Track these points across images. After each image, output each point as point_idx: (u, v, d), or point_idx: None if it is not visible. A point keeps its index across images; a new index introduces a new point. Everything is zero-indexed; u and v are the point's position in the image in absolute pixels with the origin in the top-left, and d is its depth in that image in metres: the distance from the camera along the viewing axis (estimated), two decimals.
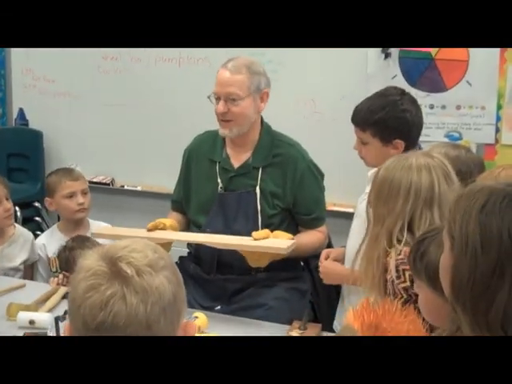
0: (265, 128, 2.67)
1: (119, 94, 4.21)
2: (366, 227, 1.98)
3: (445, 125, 3.47)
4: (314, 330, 2.19)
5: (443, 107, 3.47)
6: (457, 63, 3.39)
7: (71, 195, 2.91)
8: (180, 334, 1.13)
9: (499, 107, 3.36)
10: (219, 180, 2.62)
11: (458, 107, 3.44)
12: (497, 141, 3.39)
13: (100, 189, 4.09)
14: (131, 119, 4.20)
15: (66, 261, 2.70)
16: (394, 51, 3.49)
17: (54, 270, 2.73)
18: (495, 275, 1.15)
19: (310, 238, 2.63)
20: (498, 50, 3.29)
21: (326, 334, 2.22)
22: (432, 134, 3.41)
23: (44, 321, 2.22)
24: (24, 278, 2.87)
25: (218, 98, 2.56)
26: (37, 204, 4.36)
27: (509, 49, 3.28)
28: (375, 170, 2.15)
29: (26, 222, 4.10)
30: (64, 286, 2.55)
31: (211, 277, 2.58)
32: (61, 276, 2.64)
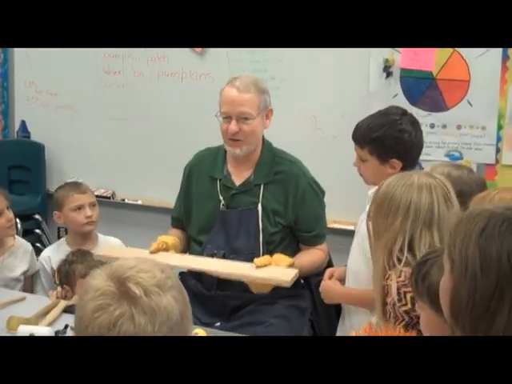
0: (266, 145, 2.67)
1: (121, 107, 4.22)
2: (369, 243, 1.98)
3: (445, 144, 3.48)
4: None
5: (444, 126, 3.48)
6: (458, 83, 3.41)
7: (79, 208, 2.93)
8: None
9: (500, 127, 3.37)
10: (221, 197, 2.62)
11: (459, 127, 3.45)
12: (497, 161, 3.40)
13: (101, 202, 4.04)
14: (133, 133, 4.21)
15: (66, 274, 2.70)
16: (396, 70, 3.51)
17: (57, 282, 2.74)
18: (494, 298, 1.16)
19: (310, 258, 2.64)
20: (499, 70, 3.31)
21: None
22: (432, 153, 3.43)
23: (44, 334, 2.22)
24: (24, 288, 2.88)
25: (227, 117, 2.54)
26: (37, 216, 4.37)
27: (510, 70, 3.30)
28: (375, 188, 2.16)
29: (26, 234, 4.10)
30: (64, 299, 2.55)
31: (211, 293, 2.58)
32: (59, 289, 2.65)
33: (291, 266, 2.43)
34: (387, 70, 3.52)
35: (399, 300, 1.79)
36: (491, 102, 3.36)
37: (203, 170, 2.72)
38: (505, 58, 3.31)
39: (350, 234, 2.64)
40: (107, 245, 2.99)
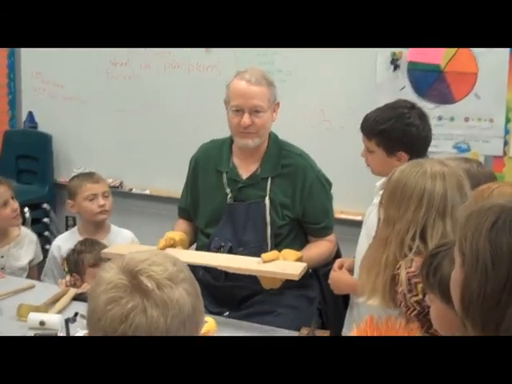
0: (272, 138, 2.67)
1: (128, 99, 4.23)
2: (376, 228, 1.98)
3: (453, 136, 3.49)
4: None
5: (451, 119, 3.48)
6: (465, 76, 3.41)
7: (92, 197, 2.95)
8: None
9: (508, 120, 3.38)
10: (228, 190, 2.62)
11: (467, 119, 3.46)
12: (505, 153, 3.40)
13: None
14: (140, 124, 4.22)
15: (74, 264, 2.72)
16: (403, 63, 3.51)
17: (66, 270, 2.76)
18: (505, 291, 1.17)
19: (318, 249, 2.65)
20: (506, 63, 3.31)
21: None
22: (440, 145, 3.42)
23: (54, 322, 2.24)
24: (29, 278, 2.90)
25: (238, 110, 2.53)
26: (45, 205, 4.39)
27: None
28: (383, 180, 2.16)
29: (35, 223, 4.14)
30: (73, 287, 2.57)
31: (220, 283, 2.59)
32: (68, 277, 2.67)
33: (299, 259, 2.43)
34: (395, 63, 3.52)
35: (410, 290, 1.78)
36: (499, 95, 3.36)
37: (209, 163, 2.71)
38: None
39: (358, 224, 2.66)
40: (119, 236, 3.02)
